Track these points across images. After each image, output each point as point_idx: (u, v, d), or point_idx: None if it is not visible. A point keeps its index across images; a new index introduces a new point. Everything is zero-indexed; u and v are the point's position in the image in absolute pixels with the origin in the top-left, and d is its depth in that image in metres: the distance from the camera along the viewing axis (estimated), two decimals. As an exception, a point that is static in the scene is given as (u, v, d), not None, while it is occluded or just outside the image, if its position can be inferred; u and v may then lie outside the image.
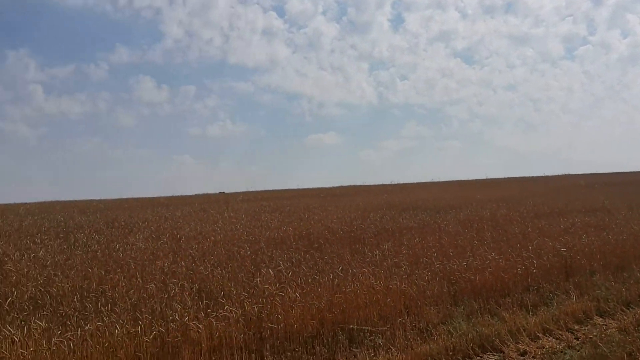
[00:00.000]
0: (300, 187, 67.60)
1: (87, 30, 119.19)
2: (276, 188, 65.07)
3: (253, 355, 7.67)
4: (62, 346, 6.89)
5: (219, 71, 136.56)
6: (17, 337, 7.03)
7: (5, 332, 7.26)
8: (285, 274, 11.07)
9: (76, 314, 8.59)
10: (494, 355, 7.88)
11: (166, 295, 9.58)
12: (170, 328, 7.65)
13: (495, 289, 10.85)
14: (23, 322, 7.99)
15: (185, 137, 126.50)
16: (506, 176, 77.74)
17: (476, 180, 73.32)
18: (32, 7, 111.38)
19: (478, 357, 7.81)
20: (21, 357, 6.72)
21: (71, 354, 6.85)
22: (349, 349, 7.95)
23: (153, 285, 10.49)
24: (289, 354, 7.77)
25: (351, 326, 8.50)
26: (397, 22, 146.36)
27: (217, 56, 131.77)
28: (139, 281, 11.10)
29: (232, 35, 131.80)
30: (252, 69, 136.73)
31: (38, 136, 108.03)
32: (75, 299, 9.95)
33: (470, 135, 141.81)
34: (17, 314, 8.63)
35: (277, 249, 15.12)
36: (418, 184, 68.79)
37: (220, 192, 60.78)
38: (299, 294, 9.32)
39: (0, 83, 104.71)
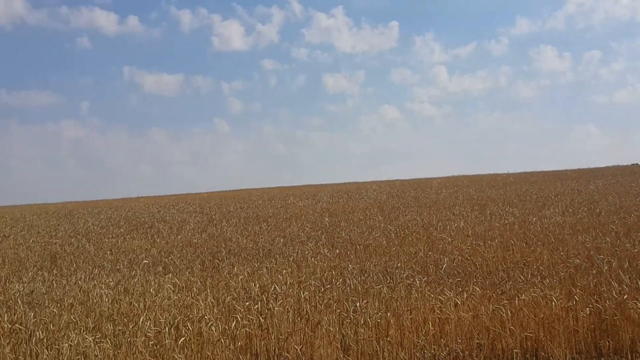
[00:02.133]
0: None
1: (486, 8, 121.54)
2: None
3: None
4: (500, 312, 7.16)
5: (626, 32, 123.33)
6: (458, 301, 7.58)
7: (446, 295, 7.91)
8: None
9: (508, 282, 8.84)
10: None
11: (594, 271, 9.10)
12: (607, 305, 7.23)
13: None
14: (460, 288, 8.59)
15: (589, 105, 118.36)
16: None
17: None
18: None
19: None
20: (462, 319, 7.22)
21: (507, 321, 7.07)
22: None
23: (577, 260, 10.10)
24: None
25: None
26: None
27: (625, 16, 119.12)
28: (562, 255, 10.85)
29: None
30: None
31: (442, 114, 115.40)
32: (500, 269, 10.27)
33: None
34: (451, 280, 9.34)
35: None
36: None
37: (633, 164, 55.34)
38: None
39: (409, 67, 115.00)
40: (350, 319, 7.32)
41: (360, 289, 9.13)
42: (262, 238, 16.77)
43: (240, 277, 10.41)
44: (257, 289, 9.23)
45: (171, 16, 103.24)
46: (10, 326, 7.41)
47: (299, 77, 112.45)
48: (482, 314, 7.25)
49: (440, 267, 10.49)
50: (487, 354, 6.89)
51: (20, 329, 7.16)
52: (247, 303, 8.24)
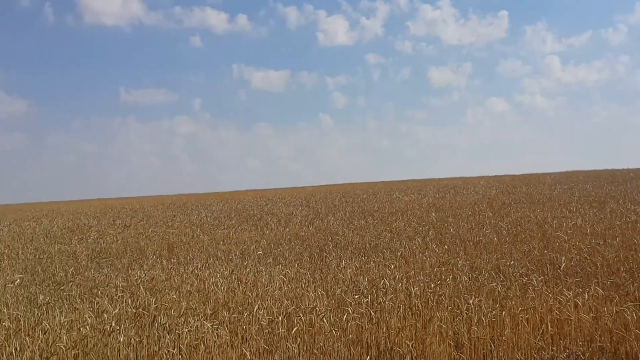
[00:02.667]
0: None
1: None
2: None
3: None
4: (624, 315, 6.74)
5: None
6: (578, 301, 7.21)
7: (565, 296, 7.55)
8: None
9: (633, 284, 8.30)
10: None
11: None
12: None
13: None
14: (580, 289, 8.17)
15: None
16: None
17: None
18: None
19: None
20: (582, 320, 6.86)
21: (631, 324, 6.64)
22: None
23: None
24: None
25: None
26: None
27: None
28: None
29: None
30: None
31: (555, 107, 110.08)
32: (622, 269, 9.66)
33: None
34: (570, 280, 8.89)
35: None
36: None
37: None
38: None
39: (519, 58, 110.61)
40: (462, 317, 7.16)
41: (471, 286, 8.92)
42: (368, 232, 16.78)
43: (349, 270, 10.46)
44: (365, 283, 9.24)
45: (278, 14, 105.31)
46: (134, 310, 7.88)
47: (403, 71, 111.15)
48: (604, 316, 6.85)
49: (558, 266, 10.02)
50: (609, 358, 6.50)
51: (144, 314, 7.59)
52: (356, 296, 8.27)
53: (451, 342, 6.73)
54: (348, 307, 7.62)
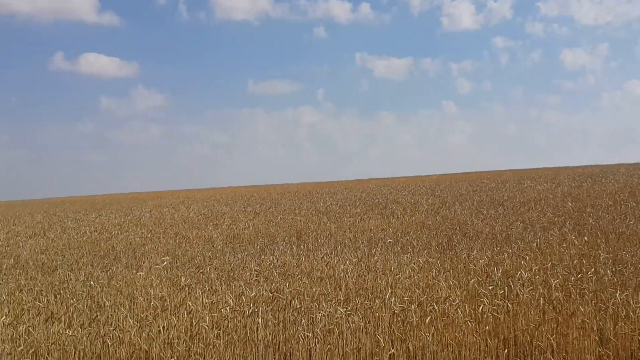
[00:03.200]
0: None
1: None
2: None
3: None
4: None
5: None
6: None
7: None
8: None
9: None
10: None
11: None
12: None
13: None
14: None
15: None
16: None
17: None
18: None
19: None
20: None
21: None
22: None
23: None
24: None
25: None
26: None
27: None
28: None
29: None
30: None
31: None
32: None
33: None
34: None
35: None
36: None
37: None
38: None
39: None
40: (608, 312, 6.72)
41: (616, 280, 8.35)
42: (498, 222, 16.22)
43: (481, 261, 10.17)
44: (499, 274, 8.93)
45: (401, 0, 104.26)
46: (271, 294, 8.16)
47: (533, 54, 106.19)
48: None
49: None
50: None
51: (280, 297, 7.84)
52: (489, 287, 8.03)
53: (596, 338, 6.35)
54: (483, 298, 7.41)
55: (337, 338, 6.71)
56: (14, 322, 7.67)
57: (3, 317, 7.84)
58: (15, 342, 7.06)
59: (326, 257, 11.67)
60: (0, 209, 45.62)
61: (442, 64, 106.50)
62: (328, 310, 7.31)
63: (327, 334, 6.77)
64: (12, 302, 9.17)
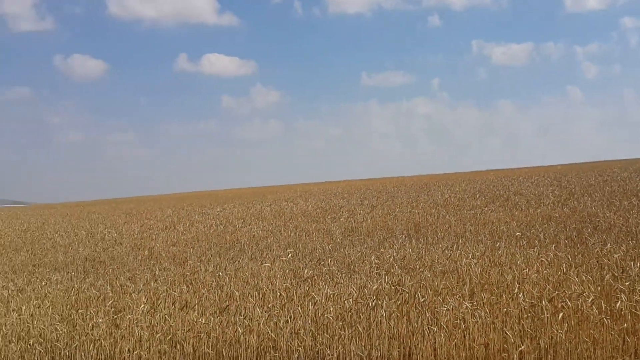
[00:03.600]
0: None
1: None
2: None
3: None
4: None
5: None
6: None
7: None
8: None
9: None
10: None
11: None
12: None
13: None
14: None
15: None
16: None
17: None
18: None
19: None
20: None
21: None
22: None
23: None
24: None
25: None
26: None
27: None
28: None
29: None
30: None
31: None
32: None
33: None
34: None
35: None
36: None
37: None
38: None
39: None
40: None
41: None
42: (633, 214, 15.18)
43: (616, 255, 9.55)
44: (636, 269, 8.35)
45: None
46: (393, 287, 8.14)
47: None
48: None
49: None
50: None
51: (403, 290, 7.80)
52: (627, 283, 7.53)
53: None
54: (620, 294, 6.96)
55: (463, 333, 6.58)
56: (152, 310, 8.19)
57: (142, 306, 8.38)
58: (154, 328, 7.53)
59: (447, 250, 11.46)
60: (132, 204, 48.85)
61: (566, 48, 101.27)
62: (452, 304, 7.18)
63: (453, 328, 6.65)
64: (148, 291, 9.78)
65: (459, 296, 7.69)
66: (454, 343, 6.46)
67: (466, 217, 17.72)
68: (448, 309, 7.02)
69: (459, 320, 6.74)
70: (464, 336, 6.54)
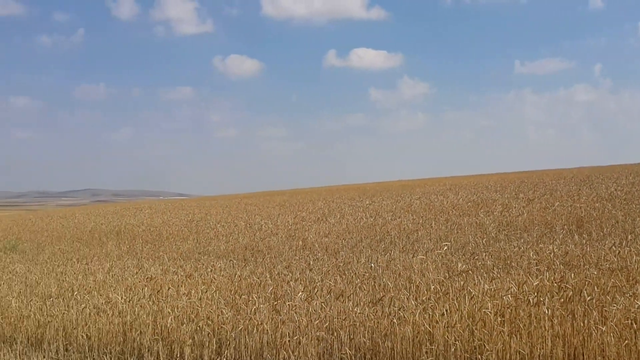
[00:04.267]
0: None
1: None
2: None
3: None
4: None
5: None
6: None
7: None
8: None
9: None
10: None
11: None
12: None
13: None
14: None
15: None
16: None
17: None
18: None
19: None
20: None
21: None
22: None
23: None
24: None
25: None
26: None
27: None
28: None
29: None
30: None
31: None
32: None
33: None
34: None
35: None
36: None
37: None
38: None
39: None
40: None
41: None
42: None
43: None
44: None
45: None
46: (556, 284, 7.73)
47: None
48: None
49: None
50: None
51: (567, 287, 7.39)
52: None
53: None
54: None
55: (635, 333, 6.10)
56: (309, 298, 8.48)
57: (299, 294, 8.70)
58: (311, 316, 7.79)
59: (615, 247, 10.66)
60: (285, 196, 50.72)
61: None
62: (623, 303, 6.68)
63: (623, 328, 6.19)
64: (304, 280, 10.13)
65: (630, 295, 7.12)
66: (624, 344, 6.01)
67: (635, 212, 16.34)
68: (618, 309, 6.54)
69: (630, 320, 6.25)
70: (636, 336, 6.06)
